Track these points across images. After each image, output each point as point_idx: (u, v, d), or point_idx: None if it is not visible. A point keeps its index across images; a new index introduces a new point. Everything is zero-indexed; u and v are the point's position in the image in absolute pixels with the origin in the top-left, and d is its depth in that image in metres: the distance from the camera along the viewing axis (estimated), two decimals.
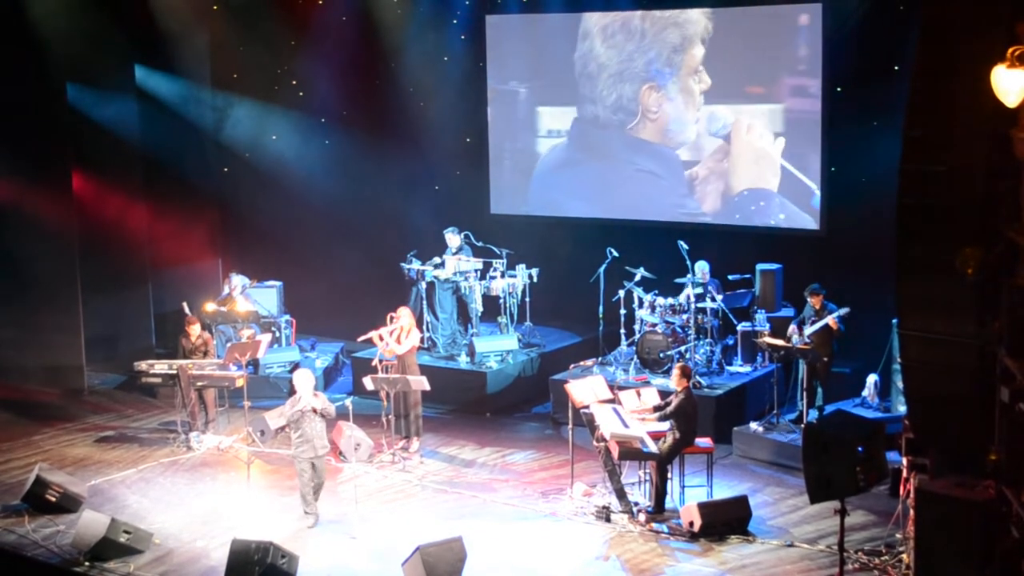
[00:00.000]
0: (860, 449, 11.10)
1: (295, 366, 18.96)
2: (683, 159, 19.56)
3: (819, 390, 15.83)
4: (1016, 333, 9.59)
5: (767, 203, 18.93)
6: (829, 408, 15.64)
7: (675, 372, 14.06)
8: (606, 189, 20.38)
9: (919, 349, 10.46)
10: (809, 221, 18.53)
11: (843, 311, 15.73)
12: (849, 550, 12.24)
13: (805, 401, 15.57)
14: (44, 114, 19.04)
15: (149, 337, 20.66)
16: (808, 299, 16.12)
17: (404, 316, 15.95)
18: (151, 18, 19.72)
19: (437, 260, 18.71)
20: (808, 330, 15.78)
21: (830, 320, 15.66)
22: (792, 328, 15.99)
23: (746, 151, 19.01)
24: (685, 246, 17.53)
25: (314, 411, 13.47)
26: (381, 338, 15.92)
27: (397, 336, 15.86)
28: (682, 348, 17.14)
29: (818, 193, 18.34)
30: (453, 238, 18.76)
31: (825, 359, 15.94)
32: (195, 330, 17.10)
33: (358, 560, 12.87)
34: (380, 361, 16.04)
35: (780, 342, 15.79)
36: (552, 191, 20.83)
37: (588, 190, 20.54)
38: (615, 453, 13.51)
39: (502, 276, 18.71)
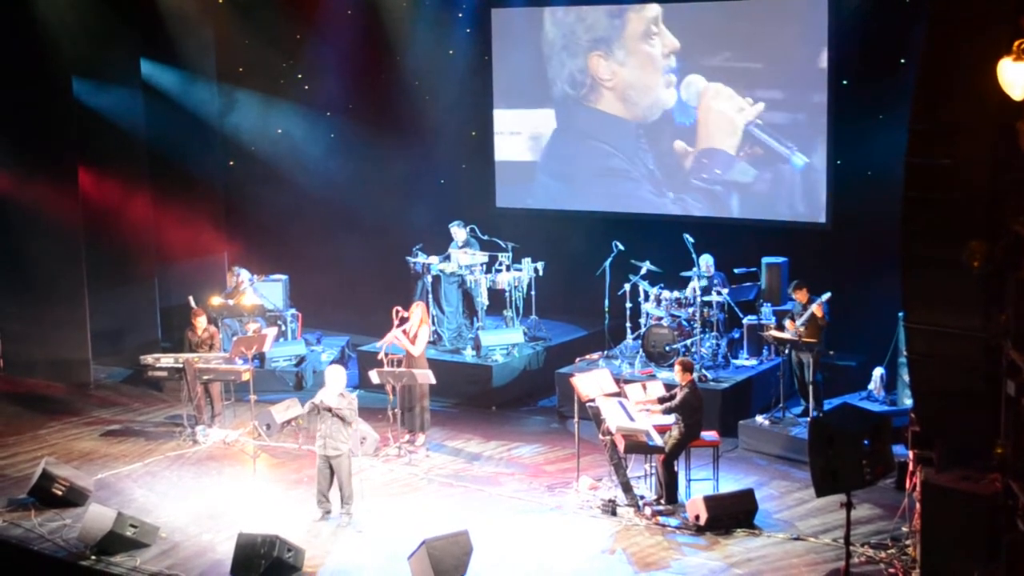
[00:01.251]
0: (866, 442, 11.12)
1: (301, 359, 19.04)
2: (649, 125, 19.89)
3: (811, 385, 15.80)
4: (1022, 326, 9.57)
5: (727, 168, 19.30)
6: (835, 401, 15.62)
7: (676, 368, 14.04)
8: (579, 166, 20.80)
9: (925, 342, 10.45)
10: (800, 200, 18.81)
11: (825, 296, 15.71)
12: (855, 543, 12.25)
13: (811, 395, 15.56)
14: (49, 108, 19.05)
15: (155, 331, 20.66)
16: (793, 295, 16.11)
17: (416, 313, 15.90)
18: (156, 12, 19.74)
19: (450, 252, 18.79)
20: (798, 321, 15.74)
21: (815, 307, 15.63)
22: (786, 322, 15.96)
23: (714, 117, 19.27)
24: (691, 239, 17.55)
25: (328, 410, 13.43)
26: (397, 339, 15.84)
27: (412, 336, 15.79)
28: (688, 341, 17.13)
29: (795, 158, 18.58)
30: (459, 232, 18.78)
31: (832, 352, 15.95)
32: (201, 323, 17.10)
33: (364, 554, 12.88)
34: (386, 354, 16.03)
35: (786, 335, 15.80)
36: (551, 181, 20.89)
37: (570, 171, 20.88)
38: (621, 446, 13.51)
39: (508, 270, 18.72)
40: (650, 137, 19.88)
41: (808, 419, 15.07)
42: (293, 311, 19.90)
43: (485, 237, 18.94)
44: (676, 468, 13.88)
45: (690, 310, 17.27)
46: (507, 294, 18.81)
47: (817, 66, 18.12)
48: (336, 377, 13.60)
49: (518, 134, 21.11)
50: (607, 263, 18.22)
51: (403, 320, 15.86)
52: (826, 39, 17.91)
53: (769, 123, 18.65)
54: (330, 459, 13.47)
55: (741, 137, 19.04)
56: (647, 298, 17.73)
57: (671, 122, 19.65)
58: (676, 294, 17.47)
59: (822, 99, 18.13)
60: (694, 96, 19.32)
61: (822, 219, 18.44)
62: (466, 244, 18.78)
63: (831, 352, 16.31)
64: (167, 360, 16.81)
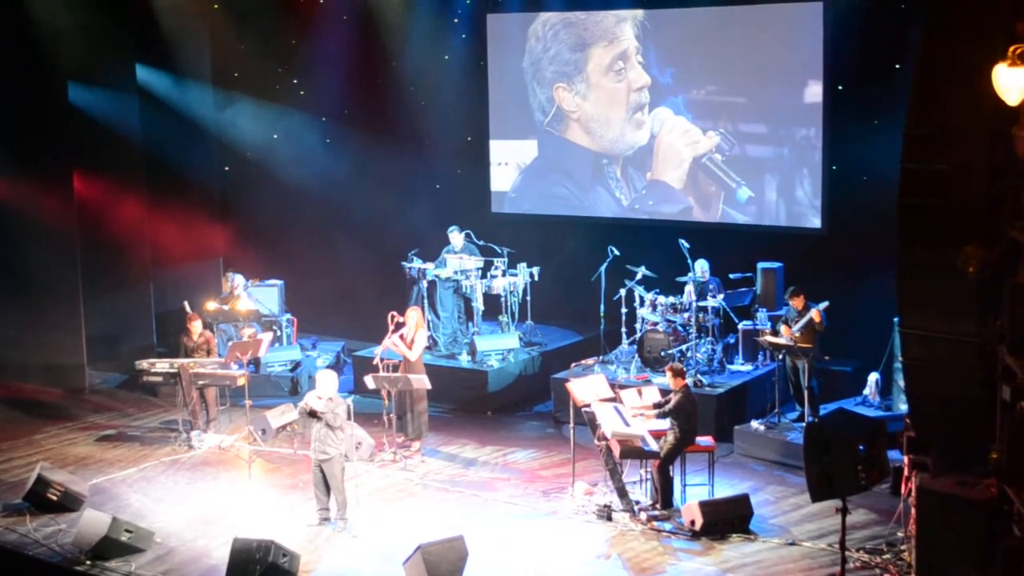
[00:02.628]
0: (862, 448, 11.13)
1: (296, 365, 19.03)
2: (616, 157, 20.08)
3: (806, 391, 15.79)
4: (1017, 331, 9.58)
5: (675, 200, 19.62)
6: (830, 407, 15.62)
7: (668, 374, 14.03)
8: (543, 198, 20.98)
9: (920, 348, 10.45)
10: (735, 215, 19.19)
11: (823, 305, 15.72)
12: (850, 549, 12.25)
13: (807, 399, 15.56)
14: (45, 113, 19.05)
15: (150, 336, 20.65)
16: (789, 302, 16.10)
17: (412, 318, 15.90)
18: (152, 17, 19.74)
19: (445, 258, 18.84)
20: (794, 327, 15.75)
21: (813, 313, 15.64)
22: (781, 327, 15.96)
23: (666, 150, 19.52)
24: (686, 244, 17.55)
25: (311, 414, 13.42)
26: (394, 344, 15.83)
27: (409, 341, 15.78)
28: (683, 347, 17.13)
29: (740, 192, 18.90)
30: (456, 237, 18.77)
31: (827, 357, 15.98)
32: (197, 328, 17.11)
33: (360, 559, 12.87)
34: (382, 360, 16.03)
35: (781, 341, 15.80)
36: (545, 189, 20.93)
37: (547, 185, 20.96)
38: (616, 452, 13.51)
39: (503, 275, 18.72)
40: (619, 168, 20.05)
41: (803, 424, 15.11)
42: (288, 316, 19.90)
43: (481, 242, 18.94)
44: (671, 473, 13.87)
45: (685, 315, 17.28)
46: (503, 299, 18.80)
47: (812, 71, 18.12)
48: (323, 381, 13.58)
49: (506, 164, 21.21)
50: (603, 268, 18.22)
51: (399, 326, 15.86)
52: (821, 44, 17.90)
53: (789, 155, 18.75)
54: (320, 463, 13.47)
55: (688, 170, 19.41)
56: (643, 303, 17.72)
57: (637, 154, 19.81)
58: (672, 299, 17.47)
59: (817, 104, 18.12)
60: (659, 129, 19.54)
61: (818, 224, 18.44)
62: (463, 249, 18.77)
63: (826, 357, 16.30)
64: (162, 365, 16.79)
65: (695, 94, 19.30)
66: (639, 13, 19.47)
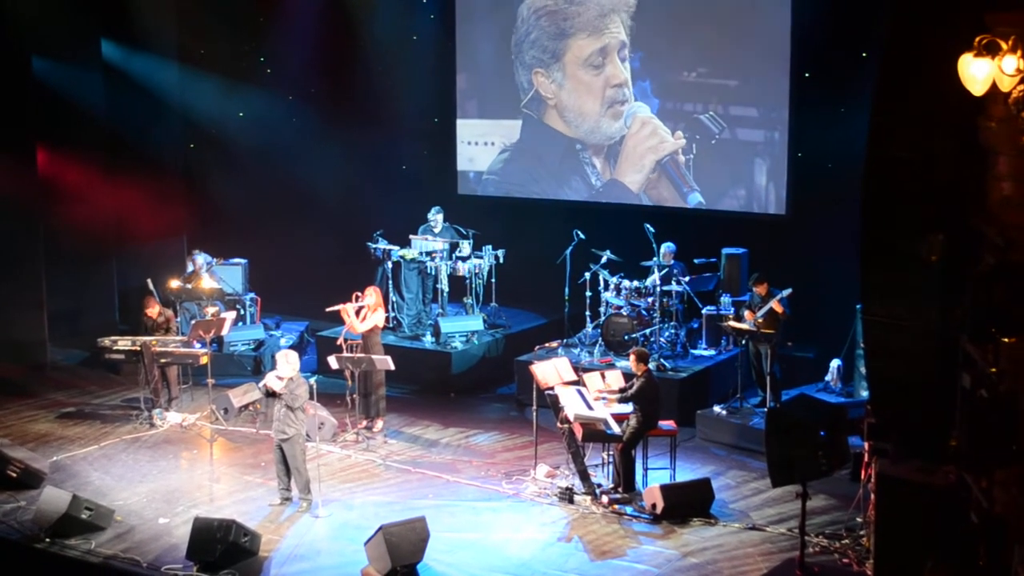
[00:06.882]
0: (822, 433, 11.20)
1: (260, 344, 18.97)
2: (591, 145, 20.02)
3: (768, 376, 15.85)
4: (978, 319, 9.64)
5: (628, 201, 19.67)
6: (792, 392, 15.70)
7: (631, 358, 14.06)
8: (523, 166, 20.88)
9: (882, 334, 10.51)
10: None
11: (786, 292, 15.78)
12: (810, 533, 12.31)
13: (769, 385, 15.63)
14: (8, 88, 18.83)
15: (113, 313, 20.54)
16: (753, 288, 16.15)
17: (370, 295, 15.94)
18: None
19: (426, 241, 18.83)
20: (757, 313, 15.79)
21: (774, 303, 15.69)
22: (745, 313, 16.02)
23: (630, 152, 19.56)
24: (652, 229, 17.58)
25: (272, 393, 13.40)
26: (347, 314, 15.89)
27: (363, 315, 15.84)
28: (647, 331, 17.17)
29: (691, 196, 19.00)
30: (439, 218, 18.76)
31: (790, 343, 16.07)
32: (154, 307, 16.99)
33: (321, 539, 12.87)
34: (345, 340, 16.02)
35: (745, 326, 15.86)
36: (515, 171, 20.88)
37: (523, 167, 20.88)
38: (579, 435, 13.54)
39: (468, 257, 18.69)
40: (593, 154, 20.04)
41: (765, 410, 15.18)
42: (252, 295, 19.82)
43: (447, 224, 18.91)
44: (634, 456, 13.92)
45: (649, 300, 17.31)
46: (467, 281, 18.79)
47: (779, 58, 18.14)
48: (282, 360, 13.52)
49: (477, 143, 21.14)
50: (568, 251, 18.24)
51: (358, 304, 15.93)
52: (788, 31, 17.91)
53: (756, 142, 18.73)
54: (280, 443, 13.46)
55: (647, 174, 19.42)
56: (607, 287, 17.75)
57: (613, 147, 19.79)
58: (636, 283, 17.50)
59: (783, 90, 18.15)
60: (628, 127, 19.54)
61: (782, 210, 18.49)
62: (444, 232, 18.76)
63: (789, 343, 16.38)
64: (124, 343, 16.73)
65: (660, 80, 19.26)
66: (630, 4, 19.38)
